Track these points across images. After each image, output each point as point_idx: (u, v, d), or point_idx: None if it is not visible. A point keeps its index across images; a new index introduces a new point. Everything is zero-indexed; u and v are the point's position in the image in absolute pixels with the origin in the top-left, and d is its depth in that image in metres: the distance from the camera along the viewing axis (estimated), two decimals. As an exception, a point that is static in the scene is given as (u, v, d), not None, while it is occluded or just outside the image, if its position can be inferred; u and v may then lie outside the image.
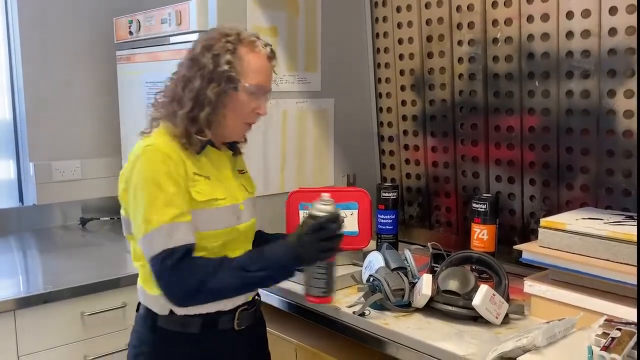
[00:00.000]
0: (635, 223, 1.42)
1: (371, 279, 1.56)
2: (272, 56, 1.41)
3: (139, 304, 1.46)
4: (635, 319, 1.16)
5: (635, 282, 1.22)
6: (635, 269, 1.26)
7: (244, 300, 1.43)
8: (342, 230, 1.36)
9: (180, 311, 1.36)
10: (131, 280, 1.94)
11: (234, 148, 1.51)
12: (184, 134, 1.34)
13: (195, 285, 1.27)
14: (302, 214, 1.89)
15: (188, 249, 1.29)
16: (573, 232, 1.42)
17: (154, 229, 1.27)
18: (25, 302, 1.77)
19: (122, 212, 1.40)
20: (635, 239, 1.30)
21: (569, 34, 1.72)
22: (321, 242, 1.31)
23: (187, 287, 1.28)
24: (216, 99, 1.33)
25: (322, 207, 1.34)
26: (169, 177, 1.29)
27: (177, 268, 1.27)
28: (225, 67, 1.33)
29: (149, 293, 1.38)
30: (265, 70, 1.39)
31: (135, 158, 1.32)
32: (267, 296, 1.73)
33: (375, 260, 1.66)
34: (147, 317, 1.40)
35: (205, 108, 1.33)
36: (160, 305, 1.37)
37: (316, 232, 1.31)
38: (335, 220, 1.33)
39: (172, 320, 1.37)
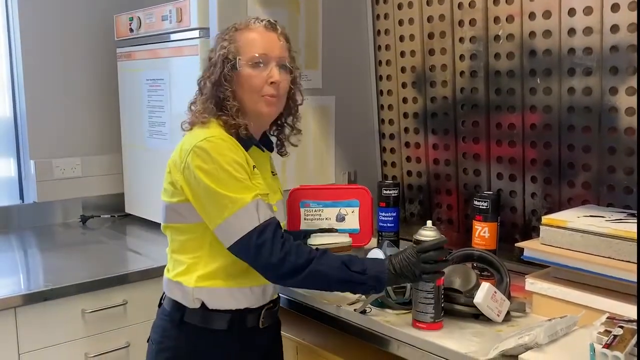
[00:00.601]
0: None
1: (372, 276, 1.56)
2: (270, 26, 1.43)
3: (162, 298, 1.47)
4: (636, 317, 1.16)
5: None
6: (636, 267, 1.26)
7: (270, 298, 1.45)
8: (447, 257, 1.39)
9: (212, 305, 1.38)
10: (132, 277, 1.96)
11: (271, 148, 1.55)
12: (226, 119, 1.39)
13: (303, 263, 1.29)
14: (303, 212, 1.89)
15: (276, 224, 1.32)
16: (574, 229, 1.42)
17: (240, 209, 1.29)
18: (26, 300, 1.77)
19: (165, 199, 1.42)
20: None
21: (571, 31, 1.71)
22: (424, 264, 1.31)
23: (297, 262, 1.29)
24: (219, 81, 1.39)
25: (426, 233, 1.37)
26: (239, 164, 1.33)
27: (276, 243, 1.28)
28: (222, 52, 1.40)
29: (184, 285, 1.38)
30: (262, 40, 1.41)
31: (197, 149, 1.32)
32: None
33: (376, 258, 1.65)
34: (175, 312, 1.41)
35: (215, 93, 1.40)
36: (191, 299, 1.38)
37: (421, 253, 1.32)
38: (441, 246, 1.34)
39: (201, 315, 1.38)
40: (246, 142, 1.41)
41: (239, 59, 1.39)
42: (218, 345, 1.40)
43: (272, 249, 1.28)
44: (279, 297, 1.54)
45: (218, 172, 1.30)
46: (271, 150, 1.56)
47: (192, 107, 1.46)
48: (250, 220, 1.29)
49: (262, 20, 1.43)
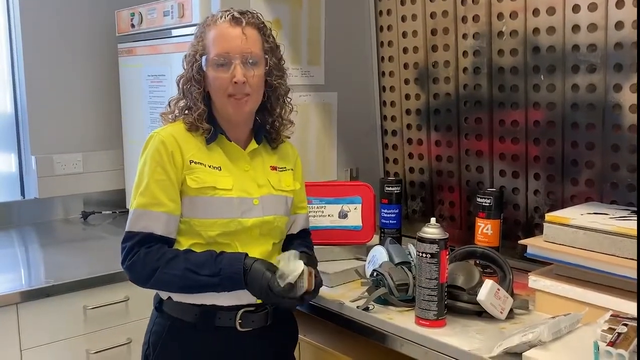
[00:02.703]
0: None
1: (375, 273, 1.56)
2: (234, 21, 1.37)
3: None
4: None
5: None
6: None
7: (247, 301, 1.39)
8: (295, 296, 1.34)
9: (176, 297, 1.40)
10: (134, 274, 1.95)
11: (269, 141, 1.51)
12: (189, 122, 1.41)
13: (148, 273, 1.34)
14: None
15: (145, 237, 1.35)
16: (578, 227, 1.42)
17: (131, 211, 1.38)
18: (28, 296, 1.77)
19: None
20: (641, 234, 1.29)
21: (575, 28, 1.70)
22: (273, 294, 1.31)
23: (142, 272, 1.35)
24: (190, 81, 1.40)
25: (429, 230, 1.37)
26: (157, 164, 1.36)
27: (131, 252, 1.35)
28: (191, 50, 1.41)
29: None
30: (223, 39, 1.36)
31: (145, 142, 1.41)
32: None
33: (378, 255, 1.65)
34: (156, 299, 1.46)
35: (186, 93, 1.42)
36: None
37: (271, 290, 1.31)
38: (290, 290, 1.31)
39: (171, 305, 1.41)
40: (209, 137, 1.41)
41: (205, 58, 1.37)
42: (192, 338, 1.40)
43: (124, 256, 1.36)
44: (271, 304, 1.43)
45: (140, 169, 1.39)
46: (270, 142, 1.51)
47: (170, 105, 1.46)
48: (127, 225, 1.38)
49: (228, 15, 1.37)
